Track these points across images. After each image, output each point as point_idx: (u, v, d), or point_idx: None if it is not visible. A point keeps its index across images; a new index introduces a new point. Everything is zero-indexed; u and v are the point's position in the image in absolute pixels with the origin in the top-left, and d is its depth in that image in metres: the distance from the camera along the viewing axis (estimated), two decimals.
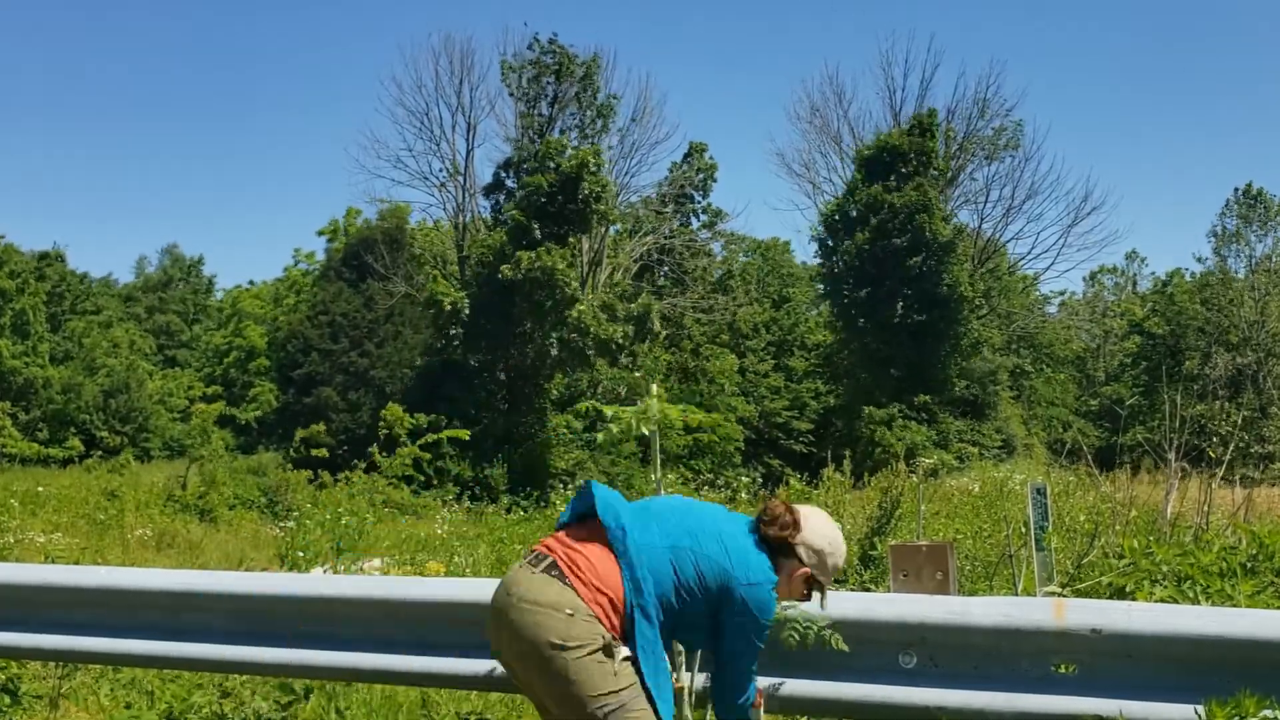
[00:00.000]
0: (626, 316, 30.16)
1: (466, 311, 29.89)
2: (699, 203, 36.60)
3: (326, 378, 33.15)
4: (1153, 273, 53.34)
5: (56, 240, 70.92)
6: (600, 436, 3.17)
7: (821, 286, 36.79)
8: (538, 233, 29.32)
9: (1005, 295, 38.87)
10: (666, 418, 3.18)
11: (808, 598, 3.03)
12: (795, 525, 2.95)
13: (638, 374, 29.90)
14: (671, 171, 36.19)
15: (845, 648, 3.08)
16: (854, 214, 32.71)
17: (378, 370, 32.74)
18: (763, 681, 3.25)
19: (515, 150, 32.39)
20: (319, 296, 36.70)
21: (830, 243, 33.88)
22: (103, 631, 4.05)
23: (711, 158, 36.21)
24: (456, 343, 30.80)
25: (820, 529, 2.98)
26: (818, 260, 36.25)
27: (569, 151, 30.58)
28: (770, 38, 75.46)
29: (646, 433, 3.25)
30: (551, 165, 29.92)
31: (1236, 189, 42.49)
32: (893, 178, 32.15)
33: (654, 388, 3.30)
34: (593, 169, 29.74)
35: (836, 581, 7.70)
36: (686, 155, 36.35)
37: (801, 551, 2.93)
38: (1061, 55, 73.64)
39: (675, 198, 36.04)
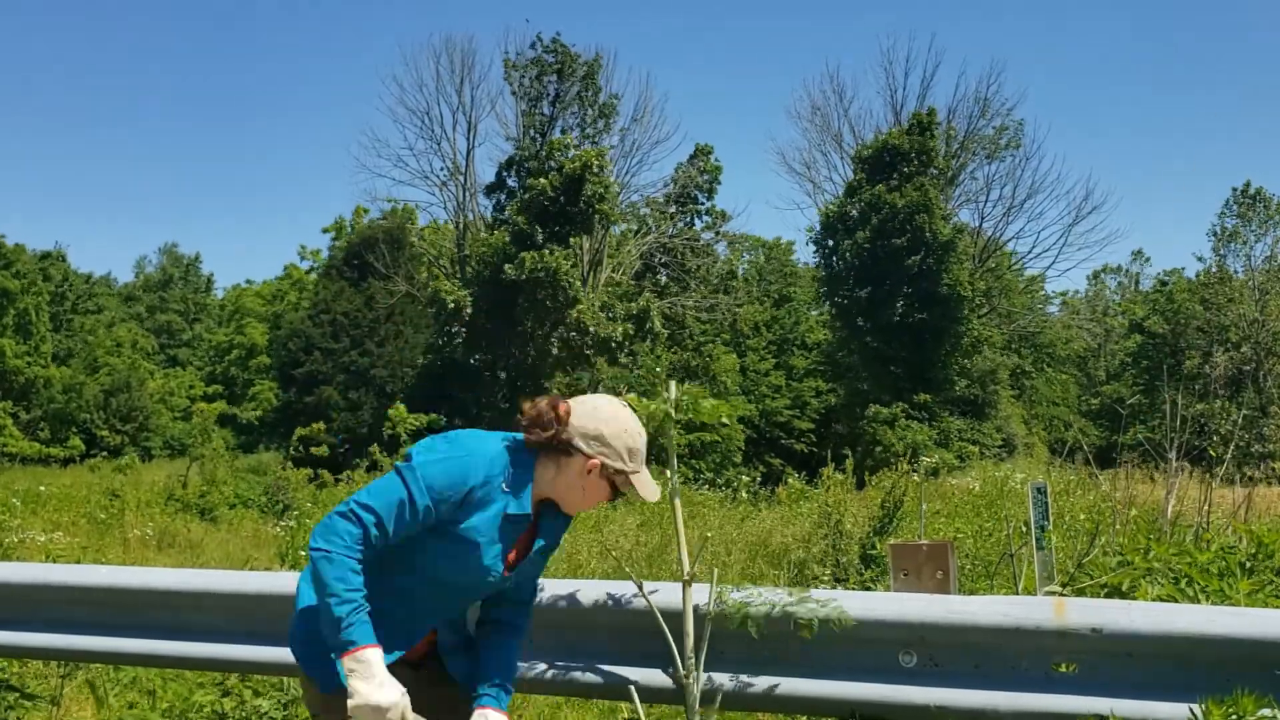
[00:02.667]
0: (626, 315, 30.17)
1: (469, 310, 29.91)
2: (703, 204, 36.62)
3: (327, 377, 33.17)
4: (1155, 273, 53.39)
5: (58, 240, 71.03)
6: None
7: (821, 286, 36.76)
8: (540, 235, 29.35)
9: (1006, 294, 38.86)
10: (696, 406, 3.13)
11: (614, 496, 2.64)
12: (560, 418, 2.56)
13: (639, 371, 29.90)
14: (676, 172, 36.21)
15: (852, 619, 3.05)
16: (854, 214, 32.70)
17: (379, 369, 32.76)
18: (763, 682, 3.26)
19: (517, 149, 32.40)
20: (320, 295, 36.71)
21: (830, 243, 33.87)
22: (104, 630, 4.05)
23: (717, 160, 36.25)
24: (458, 341, 30.83)
25: (591, 410, 2.59)
26: (817, 261, 36.26)
27: (572, 152, 30.59)
28: (771, 37, 75.52)
29: (667, 426, 3.21)
30: (554, 166, 29.93)
31: (1235, 188, 42.55)
32: (893, 177, 32.14)
33: (672, 385, 3.28)
34: (596, 170, 29.75)
35: (838, 580, 7.72)
36: (692, 156, 36.37)
37: (578, 443, 2.55)
38: (1061, 55, 73.69)
39: (678, 198, 36.04)
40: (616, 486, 2.62)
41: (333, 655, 2.39)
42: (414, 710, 2.43)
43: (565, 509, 2.69)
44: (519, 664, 3.42)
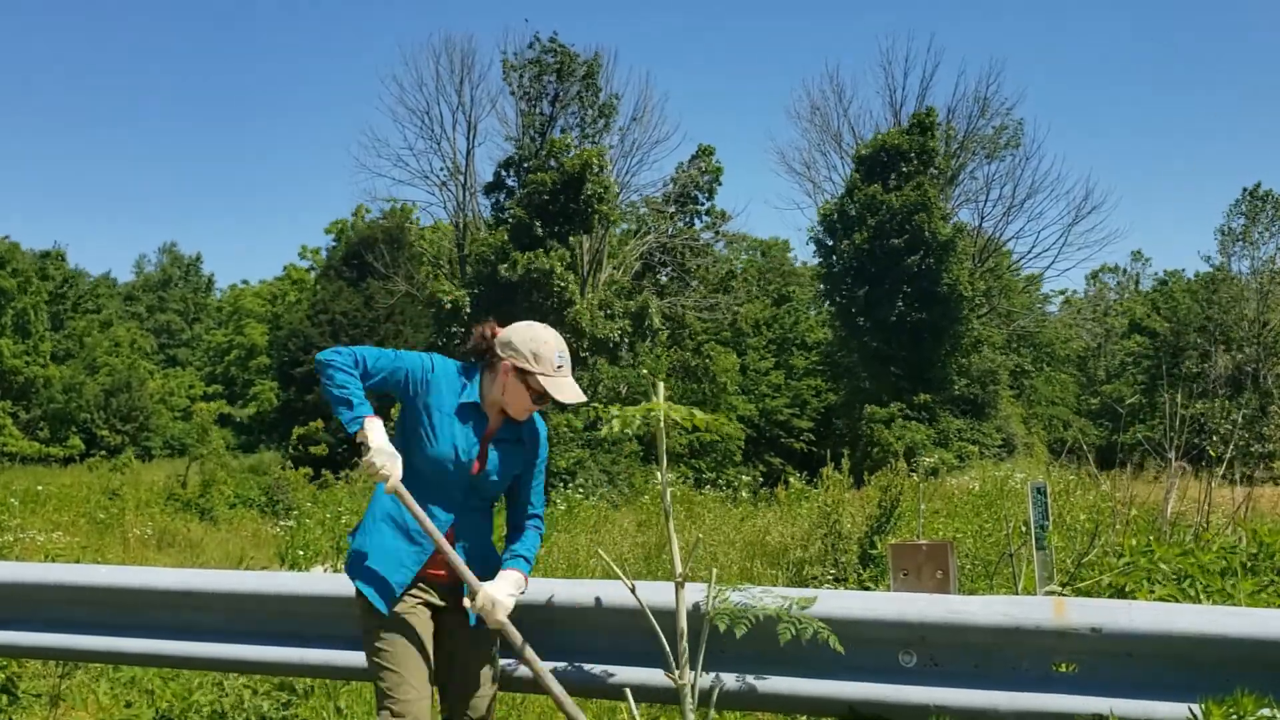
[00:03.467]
0: (625, 314, 30.16)
1: (467, 311, 29.90)
2: (704, 204, 36.61)
3: None
4: (1155, 272, 53.43)
5: (57, 240, 71.03)
6: (604, 430, 3.21)
7: (821, 286, 36.75)
8: (539, 231, 29.32)
9: (1006, 294, 38.86)
10: (671, 416, 3.18)
11: (536, 399, 3.21)
12: (488, 336, 3.26)
13: (642, 371, 29.88)
14: (677, 171, 36.20)
15: (840, 649, 3.07)
16: (852, 213, 32.69)
17: None
18: (764, 681, 3.25)
19: (516, 149, 32.38)
20: (320, 295, 36.72)
21: (829, 242, 33.86)
22: (103, 630, 4.05)
23: (719, 161, 36.23)
24: (457, 341, 30.80)
25: (510, 327, 3.27)
26: (816, 261, 36.25)
27: (573, 151, 30.57)
28: (771, 37, 75.53)
29: (649, 430, 3.25)
30: (555, 165, 29.91)
31: (1245, 189, 42.63)
32: (892, 177, 32.13)
33: (660, 386, 3.29)
34: (596, 170, 29.73)
35: (838, 580, 7.71)
36: (694, 157, 36.34)
37: (498, 349, 3.21)
38: (1061, 55, 73.73)
39: (678, 198, 36.03)
40: (532, 388, 3.19)
41: (348, 425, 3.13)
42: (438, 642, 3.21)
43: (510, 412, 3.26)
44: (516, 663, 3.43)
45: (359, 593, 3.20)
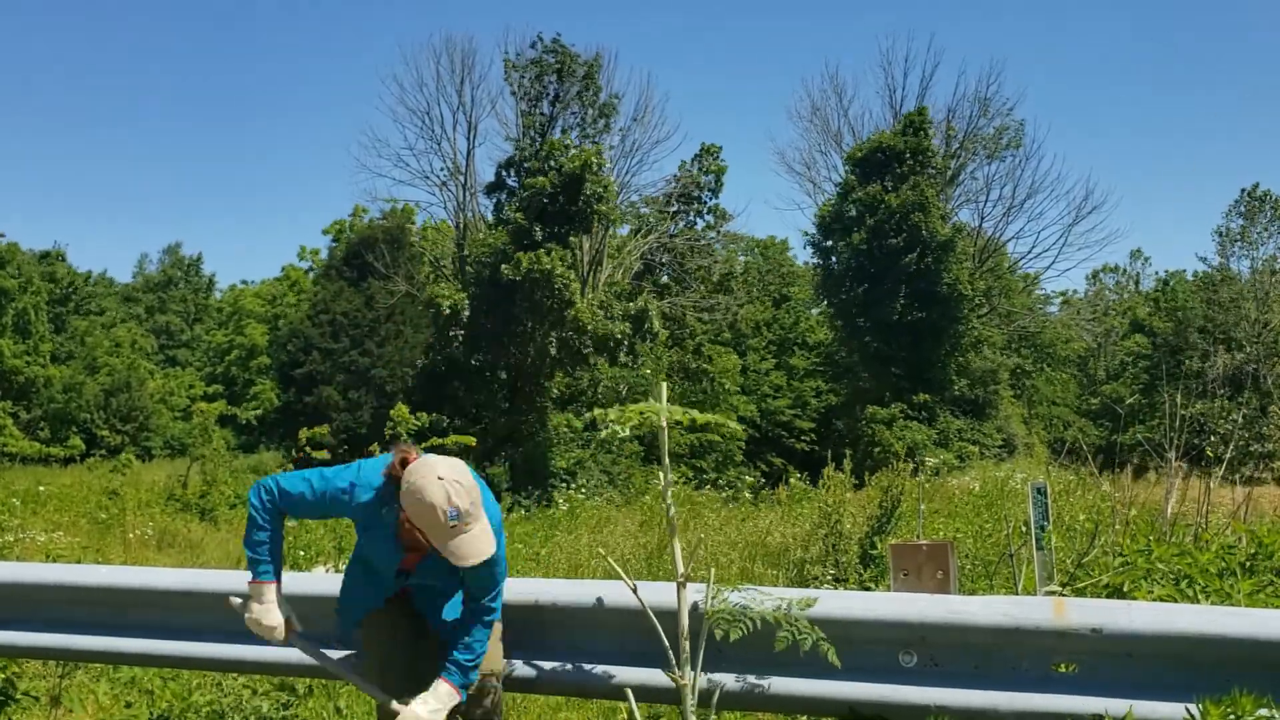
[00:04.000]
0: (624, 315, 30.13)
1: (466, 312, 29.89)
2: (707, 203, 36.59)
3: (327, 377, 33.14)
4: (1155, 272, 53.41)
5: (58, 240, 71.05)
6: (604, 432, 3.19)
7: (819, 287, 36.73)
8: (539, 234, 29.30)
9: (1006, 294, 38.84)
10: (672, 416, 3.18)
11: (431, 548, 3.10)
12: (395, 467, 3.14)
13: (645, 371, 29.88)
14: (680, 171, 36.17)
15: (837, 662, 3.07)
16: (849, 215, 32.68)
17: (379, 369, 32.74)
18: (765, 681, 3.25)
19: (516, 149, 32.36)
20: (320, 296, 36.68)
21: (828, 243, 33.84)
22: (103, 630, 4.05)
23: (723, 160, 36.21)
24: (457, 344, 30.81)
25: (408, 484, 3.05)
26: (815, 262, 36.23)
27: (572, 151, 30.54)
28: (771, 37, 75.52)
29: (650, 430, 3.25)
30: (554, 165, 29.89)
31: (1244, 190, 42.64)
32: (888, 178, 32.11)
33: (662, 387, 3.29)
34: (595, 169, 29.69)
35: (838, 580, 7.71)
36: (697, 155, 36.32)
37: (401, 494, 3.08)
38: (1061, 55, 73.70)
39: (680, 197, 36.00)
40: (431, 546, 3.05)
41: (251, 582, 3.28)
42: (403, 648, 3.34)
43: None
44: (518, 663, 3.42)
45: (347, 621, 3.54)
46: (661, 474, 3.16)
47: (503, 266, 28.44)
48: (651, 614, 3.16)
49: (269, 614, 3.24)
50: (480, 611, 3.24)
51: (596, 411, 3.07)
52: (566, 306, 28.47)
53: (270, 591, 3.25)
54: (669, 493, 3.33)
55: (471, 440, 12.79)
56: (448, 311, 29.86)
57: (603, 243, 32.95)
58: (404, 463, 3.11)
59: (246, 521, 3.29)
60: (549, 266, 27.80)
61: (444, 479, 3.01)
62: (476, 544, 3.02)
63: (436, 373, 31.47)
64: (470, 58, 34.81)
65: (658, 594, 3.26)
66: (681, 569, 3.16)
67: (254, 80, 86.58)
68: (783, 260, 46.98)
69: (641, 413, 3.16)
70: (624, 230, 35.16)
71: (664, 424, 3.15)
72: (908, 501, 8.97)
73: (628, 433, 3.20)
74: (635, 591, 3.21)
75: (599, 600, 3.45)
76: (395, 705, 3.15)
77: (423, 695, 3.13)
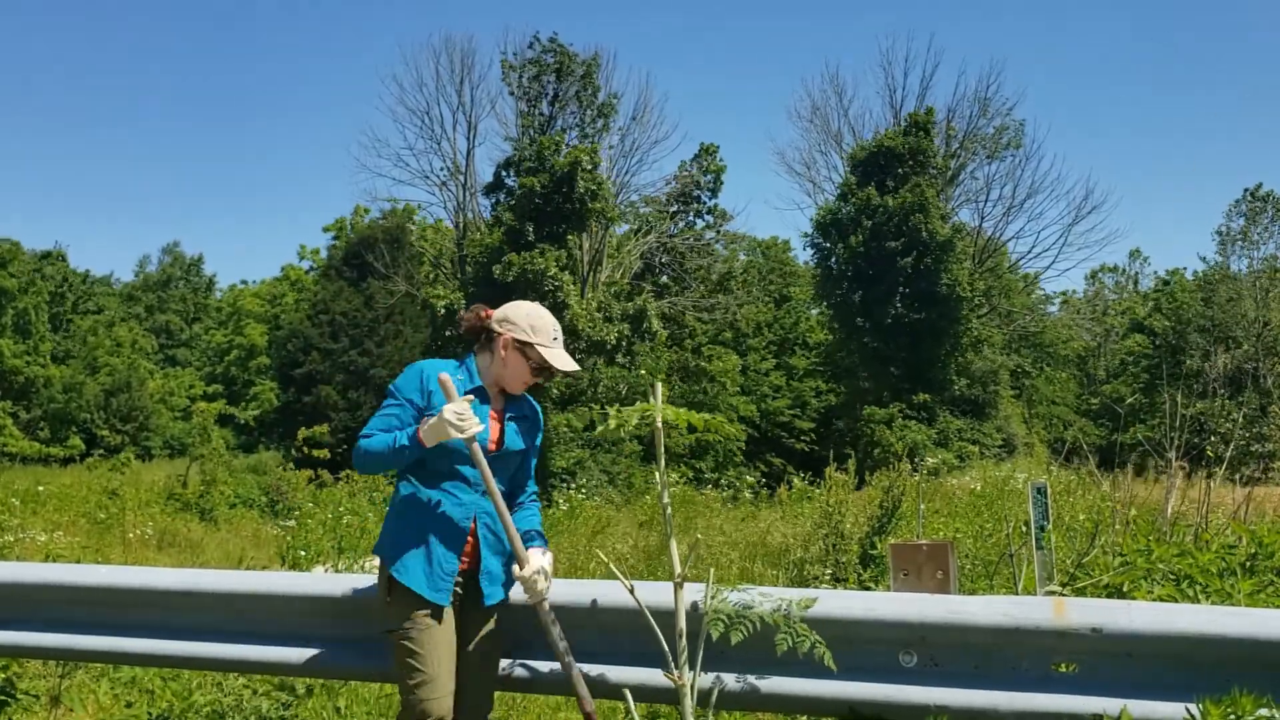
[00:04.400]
0: (623, 315, 30.13)
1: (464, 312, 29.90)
2: (706, 203, 36.60)
3: (327, 376, 33.16)
4: (1155, 272, 53.43)
5: (58, 240, 71.03)
6: (599, 429, 3.25)
7: (819, 288, 36.71)
8: (531, 234, 29.27)
9: (1006, 294, 38.84)
10: (669, 417, 3.18)
11: (535, 371, 3.34)
12: (481, 317, 3.42)
13: (642, 372, 29.86)
14: (679, 170, 36.19)
15: (834, 665, 3.07)
16: (848, 216, 32.68)
17: (378, 369, 32.75)
18: (765, 681, 3.25)
19: (515, 149, 32.38)
20: (319, 295, 36.68)
21: (826, 244, 33.83)
22: (103, 630, 4.05)
23: (722, 160, 36.22)
24: (453, 344, 30.79)
25: (507, 305, 3.42)
26: (814, 262, 36.22)
27: (563, 150, 30.54)
28: (771, 37, 75.53)
29: (647, 430, 3.26)
30: (546, 164, 29.89)
31: (1246, 189, 42.69)
32: (888, 180, 32.10)
33: (659, 387, 3.29)
34: (587, 167, 29.67)
35: (838, 580, 7.71)
36: (696, 155, 36.34)
37: (494, 326, 3.38)
38: (1061, 55, 73.72)
39: (680, 197, 36.01)
40: (531, 359, 3.33)
41: (412, 444, 3.22)
42: (459, 623, 3.30)
43: (506, 387, 3.40)
44: (519, 667, 3.43)
45: (395, 584, 3.26)
46: (659, 474, 3.16)
47: (494, 267, 28.43)
48: (649, 614, 3.16)
49: (452, 410, 3.16)
50: (534, 495, 3.56)
51: (597, 407, 3.09)
52: (561, 309, 28.45)
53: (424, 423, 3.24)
54: (666, 493, 3.33)
55: None
56: (443, 312, 29.86)
57: (602, 242, 32.93)
58: (487, 315, 3.42)
59: (370, 462, 3.33)
60: (541, 267, 27.78)
61: (538, 305, 3.43)
62: (569, 358, 3.39)
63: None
64: (470, 58, 34.88)
65: (656, 594, 3.26)
66: (679, 569, 3.16)
67: (254, 80, 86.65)
68: (783, 260, 47.00)
69: (642, 414, 3.16)
70: (621, 230, 35.14)
71: (659, 425, 3.15)
72: (908, 501, 8.97)
73: (629, 430, 3.20)
74: (632, 592, 3.21)
75: (597, 600, 3.45)
76: (515, 569, 3.22)
77: (531, 554, 3.26)
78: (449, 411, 3.15)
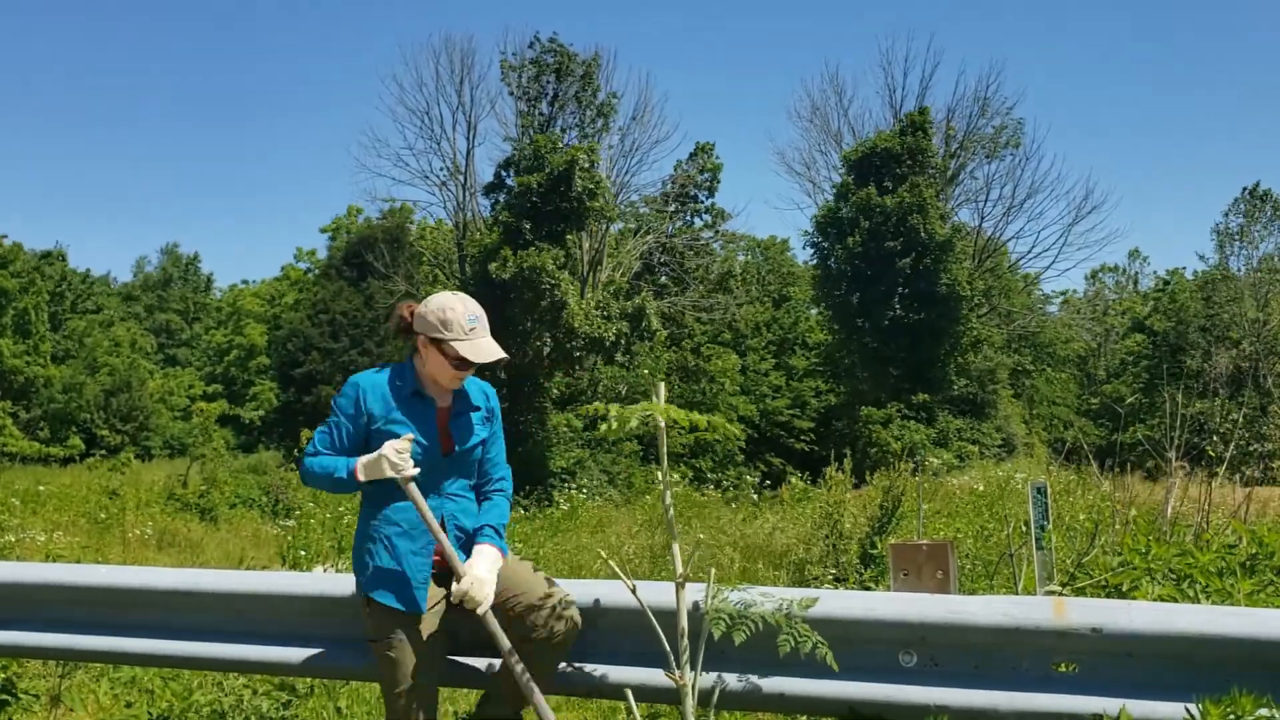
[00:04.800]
0: (621, 314, 30.11)
1: None
2: (703, 202, 36.57)
3: (327, 376, 33.16)
4: (1154, 271, 53.42)
5: (58, 240, 71.04)
6: (602, 428, 3.17)
7: (817, 289, 36.71)
8: (529, 233, 29.25)
9: (1006, 294, 38.83)
10: (670, 417, 3.17)
11: (457, 364, 3.26)
12: (405, 317, 3.35)
13: (644, 372, 29.85)
14: (676, 170, 36.17)
15: (835, 665, 3.07)
16: (846, 217, 32.68)
17: None
18: (765, 681, 3.25)
19: (515, 149, 32.37)
20: (319, 295, 36.68)
21: (825, 245, 33.83)
22: (103, 630, 4.05)
23: (718, 157, 36.20)
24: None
25: (423, 301, 3.34)
26: (813, 263, 36.23)
27: (560, 149, 30.52)
28: (771, 37, 75.52)
29: (647, 430, 3.25)
30: (543, 164, 29.87)
31: (1245, 188, 42.66)
32: (885, 180, 32.09)
33: (660, 387, 3.28)
34: (585, 165, 29.65)
35: (839, 580, 7.71)
36: (692, 154, 36.31)
37: (415, 326, 3.31)
38: (1061, 55, 73.71)
39: (678, 196, 36.00)
40: (448, 355, 3.25)
41: (350, 478, 3.24)
42: (455, 617, 3.26)
43: (441, 384, 3.33)
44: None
45: (372, 601, 3.25)
46: (661, 474, 3.16)
47: (490, 265, 28.39)
48: (650, 614, 3.16)
49: (387, 455, 3.16)
50: (505, 486, 3.49)
51: (596, 405, 3.06)
52: (560, 307, 28.42)
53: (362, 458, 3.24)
54: (668, 493, 3.33)
55: None
56: None
57: (601, 242, 32.93)
58: (409, 313, 3.35)
59: (313, 483, 3.36)
60: (540, 264, 27.74)
61: (454, 294, 3.34)
62: (494, 346, 3.30)
63: None
64: (470, 58, 34.84)
65: (658, 594, 3.26)
66: (680, 569, 3.16)
67: (254, 80, 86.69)
68: (783, 260, 47.00)
69: (642, 413, 3.15)
70: (619, 230, 35.12)
71: (662, 425, 3.15)
72: (908, 501, 8.97)
73: (630, 430, 3.19)
74: (634, 592, 3.21)
75: (599, 600, 3.45)
76: (458, 568, 3.19)
77: (473, 560, 3.22)
78: (389, 449, 3.15)
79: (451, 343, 3.24)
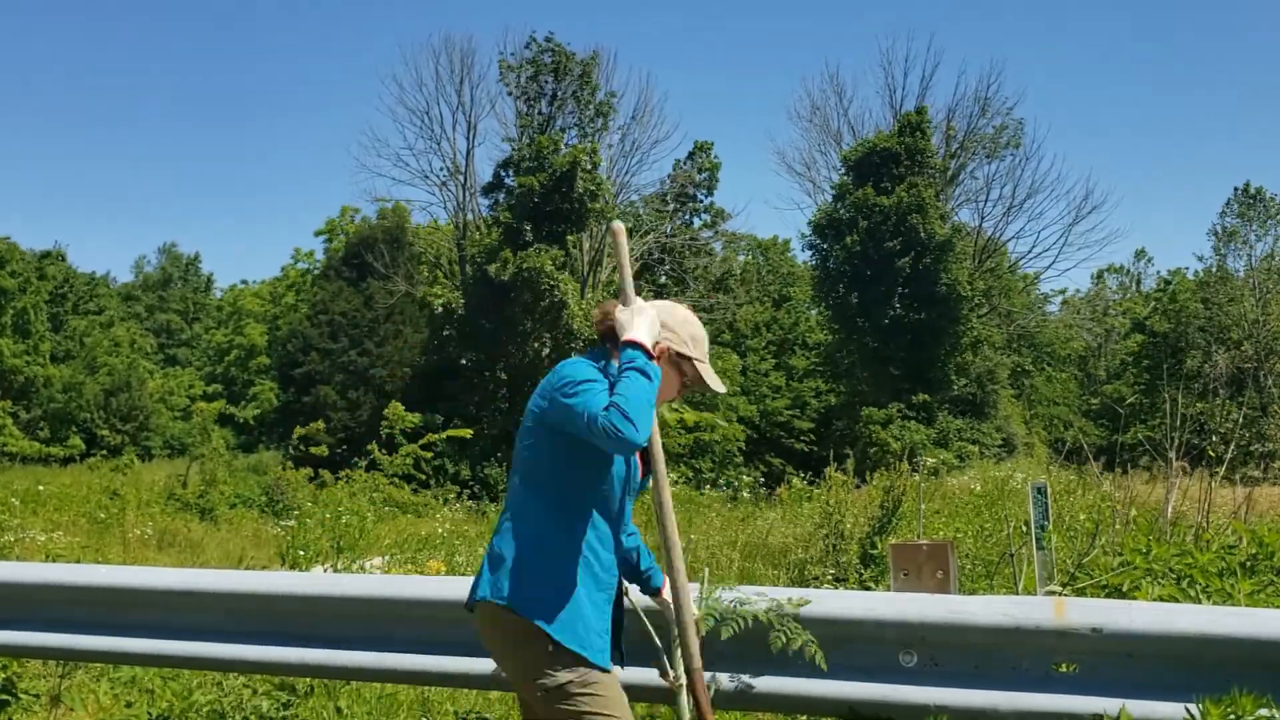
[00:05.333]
0: None
1: (461, 312, 29.86)
2: (702, 201, 36.58)
3: (326, 376, 33.14)
4: (1157, 271, 53.38)
5: (58, 239, 71.02)
6: None
7: (817, 289, 36.73)
8: (529, 234, 29.25)
9: (1006, 294, 38.85)
10: (661, 417, 3.17)
11: (682, 388, 2.82)
12: (611, 312, 2.79)
13: None
14: (675, 169, 36.18)
15: (824, 665, 3.06)
16: (844, 217, 32.68)
17: (377, 369, 32.74)
18: (763, 681, 3.25)
19: (514, 149, 32.39)
20: (319, 296, 36.67)
21: (825, 245, 33.85)
22: (103, 630, 4.05)
23: (716, 157, 36.21)
24: (452, 343, 30.77)
25: (656, 306, 2.79)
26: (814, 262, 36.24)
27: (562, 150, 30.52)
28: (770, 36, 75.53)
29: None
30: (544, 164, 29.89)
31: (1237, 188, 42.61)
32: (884, 180, 32.10)
33: None
34: (587, 167, 29.67)
35: (838, 580, 7.70)
36: (691, 154, 36.33)
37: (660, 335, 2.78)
38: (1061, 55, 73.72)
39: (677, 196, 36.01)
40: (684, 377, 2.81)
41: (638, 361, 2.60)
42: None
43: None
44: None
45: (559, 645, 2.61)
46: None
47: (490, 266, 28.42)
48: (642, 614, 3.16)
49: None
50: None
51: None
52: (560, 307, 28.44)
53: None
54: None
55: (467, 433, 12.78)
56: (440, 311, 29.87)
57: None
58: (601, 317, 2.82)
59: (643, 413, 2.51)
60: (539, 264, 27.77)
61: (687, 307, 2.92)
62: (716, 376, 2.88)
63: (434, 372, 31.47)
64: (469, 58, 34.87)
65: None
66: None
67: (254, 80, 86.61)
68: (783, 261, 47.02)
69: None
70: None
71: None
72: (908, 501, 8.97)
73: None
74: (626, 594, 3.21)
75: None
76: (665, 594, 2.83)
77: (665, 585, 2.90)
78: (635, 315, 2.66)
79: (696, 363, 2.79)
